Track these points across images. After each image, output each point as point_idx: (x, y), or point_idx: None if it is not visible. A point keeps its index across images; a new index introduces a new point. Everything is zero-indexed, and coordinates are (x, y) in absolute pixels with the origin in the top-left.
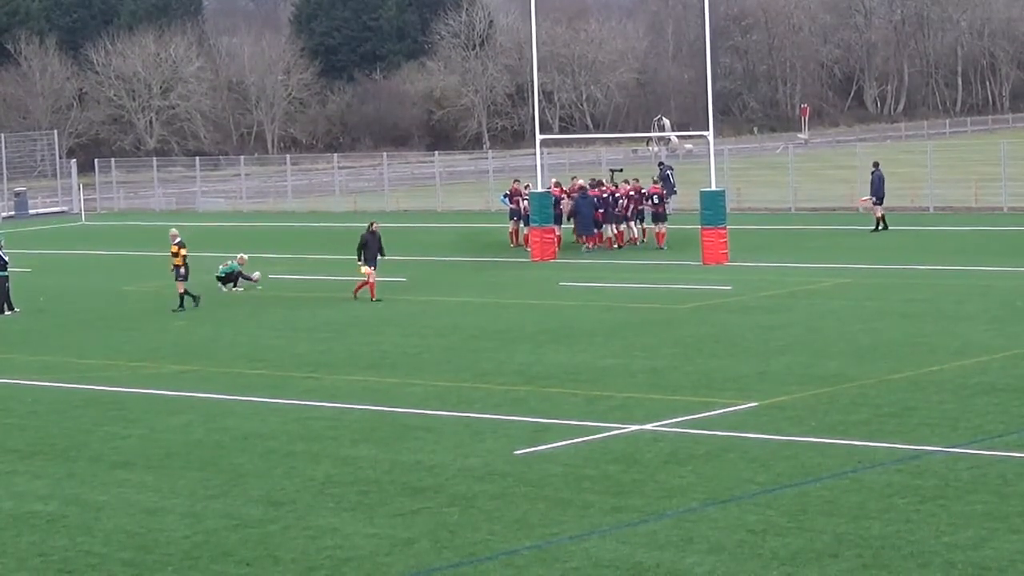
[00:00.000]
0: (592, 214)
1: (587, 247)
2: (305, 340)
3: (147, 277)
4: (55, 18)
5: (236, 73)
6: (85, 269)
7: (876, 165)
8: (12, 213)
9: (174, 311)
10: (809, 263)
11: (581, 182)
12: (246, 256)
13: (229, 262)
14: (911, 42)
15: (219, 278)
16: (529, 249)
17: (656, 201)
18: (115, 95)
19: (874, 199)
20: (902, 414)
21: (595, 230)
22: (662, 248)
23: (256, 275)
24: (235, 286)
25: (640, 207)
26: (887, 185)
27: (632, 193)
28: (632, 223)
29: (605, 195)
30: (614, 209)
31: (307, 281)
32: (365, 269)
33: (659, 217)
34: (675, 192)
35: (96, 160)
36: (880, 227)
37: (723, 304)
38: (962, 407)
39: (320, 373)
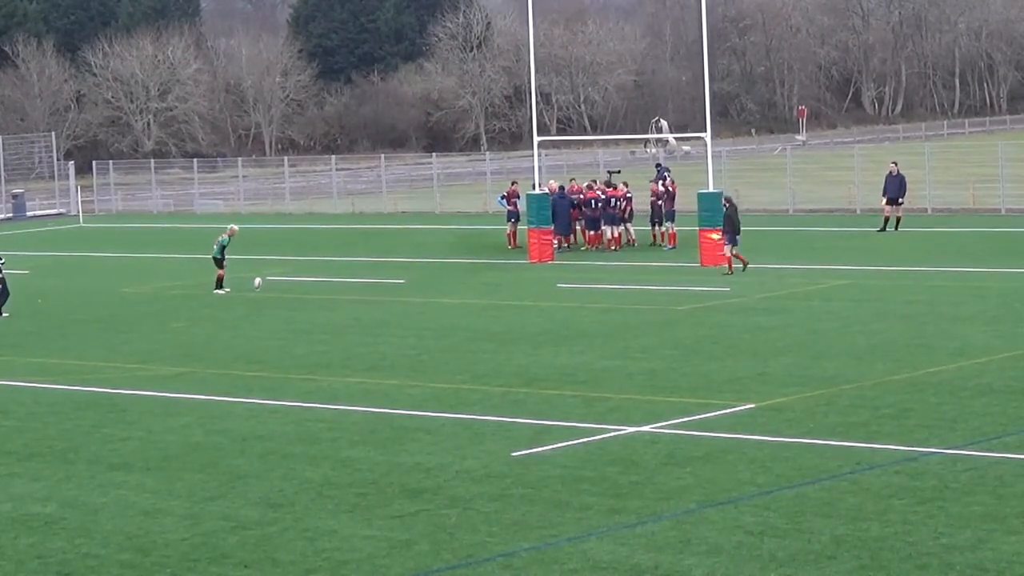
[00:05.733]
0: (568, 215)
1: (560, 247)
2: (303, 342)
3: (145, 279)
4: (53, 20)
5: (234, 75)
6: (83, 271)
7: (895, 164)
8: (10, 215)
9: None
10: (807, 264)
11: (577, 184)
12: (236, 227)
13: (221, 236)
14: (909, 44)
15: (216, 259)
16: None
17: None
18: (113, 97)
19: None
20: (900, 415)
21: (571, 231)
22: (674, 247)
23: (258, 281)
24: (219, 287)
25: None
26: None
27: (630, 195)
28: (630, 225)
29: (589, 198)
30: (593, 212)
31: (305, 283)
32: (728, 249)
33: (671, 216)
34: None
35: (94, 162)
36: (883, 227)
37: (721, 305)
38: (960, 408)
39: (318, 375)
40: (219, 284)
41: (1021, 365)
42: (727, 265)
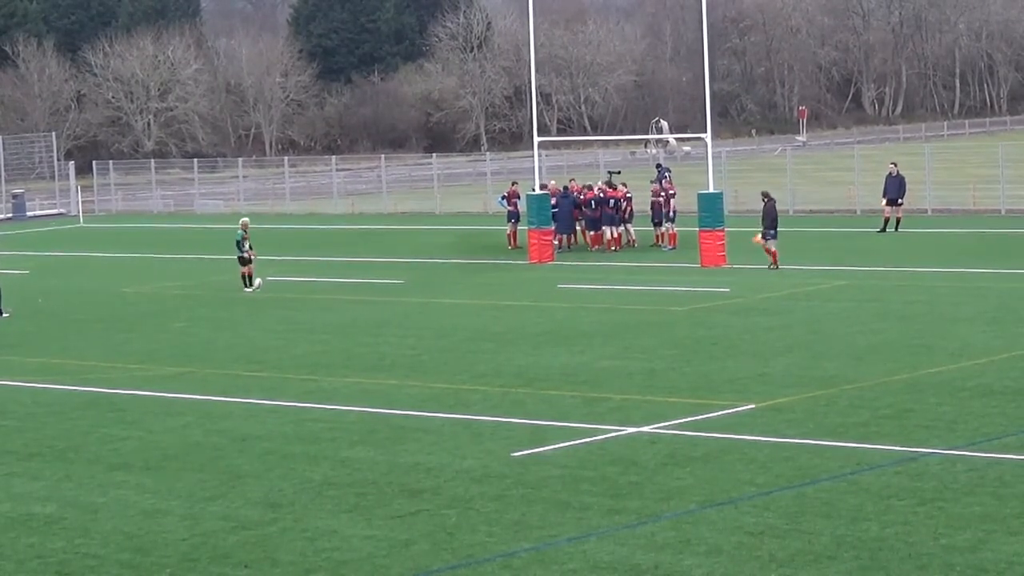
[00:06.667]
0: (571, 214)
1: (560, 246)
2: (303, 342)
3: (145, 279)
4: (53, 20)
5: (234, 75)
6: (83, 271)
7: (895, 165)
8: (10, 215)
9: None
10: (807, 265)
11: (575, 184)
12: (246, 219)
13: (236, 231)
14: (909, 44)
15: (240, 258)
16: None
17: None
18: (113, 97)
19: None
20: (900, 416)
21: (575, 230)
22: (674, 248)
23: (258, 281)
24: (248, 285)
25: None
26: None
27: (630, 195)
28: (630, 225)
29: (590, 198)
30: (593, 212)
31: (305, 283)
32: (758, 239)
33: (671, 216)
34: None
35: (94, 162)
36: (883, 228)
37: (721, 306)
38: (960, 409)
39: (318, 375)
40: (247, 281)
41: (1021, 365)
42: (772, 259)
